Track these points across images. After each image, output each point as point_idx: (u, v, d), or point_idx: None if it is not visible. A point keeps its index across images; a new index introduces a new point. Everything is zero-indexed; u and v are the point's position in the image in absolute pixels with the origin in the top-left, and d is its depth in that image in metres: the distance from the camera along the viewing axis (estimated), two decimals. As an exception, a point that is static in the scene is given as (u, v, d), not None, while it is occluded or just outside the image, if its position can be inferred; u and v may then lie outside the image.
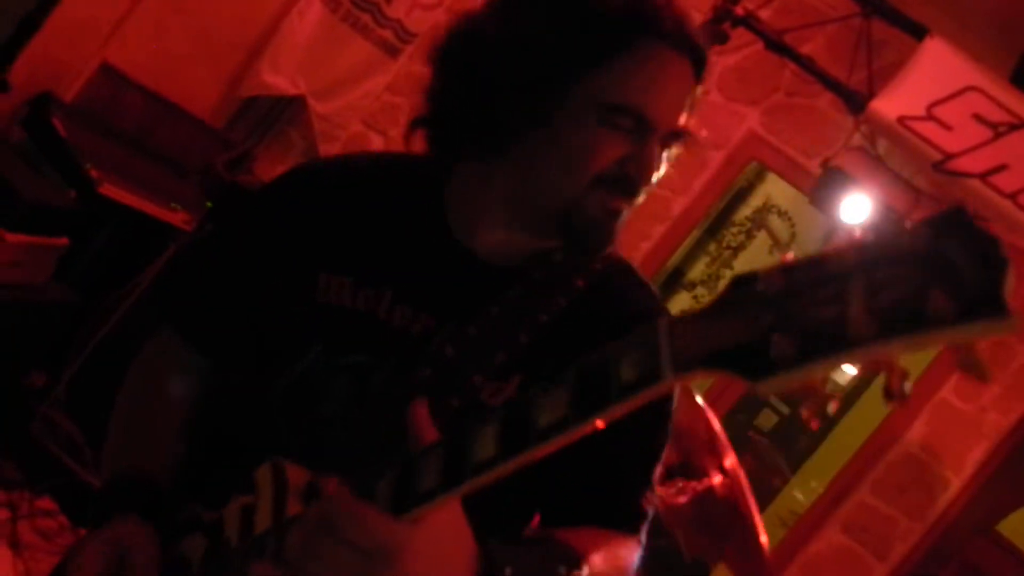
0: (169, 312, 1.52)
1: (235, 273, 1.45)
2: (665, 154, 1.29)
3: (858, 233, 0.70)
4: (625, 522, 1.30)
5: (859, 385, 8.96)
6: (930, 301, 0.63)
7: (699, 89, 1.30)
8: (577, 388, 0.83)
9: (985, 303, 0.62)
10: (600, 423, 0.82)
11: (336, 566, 0.88)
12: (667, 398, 1.33)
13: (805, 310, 0.69)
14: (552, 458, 0.96)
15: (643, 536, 1.31)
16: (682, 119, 1.28)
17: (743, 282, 0.74)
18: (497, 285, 1.31)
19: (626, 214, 1.30)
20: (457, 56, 1.28)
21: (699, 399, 3.46)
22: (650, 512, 1.33)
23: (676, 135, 1.29)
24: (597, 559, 1.15)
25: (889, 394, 0.71)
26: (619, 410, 0.80)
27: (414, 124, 1.33)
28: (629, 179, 1.25)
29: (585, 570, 1.11)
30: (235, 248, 1.48)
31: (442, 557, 0.93)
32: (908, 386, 0.71)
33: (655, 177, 1.27)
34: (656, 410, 1.31)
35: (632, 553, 1.29)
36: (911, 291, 0.64)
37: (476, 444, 0.87)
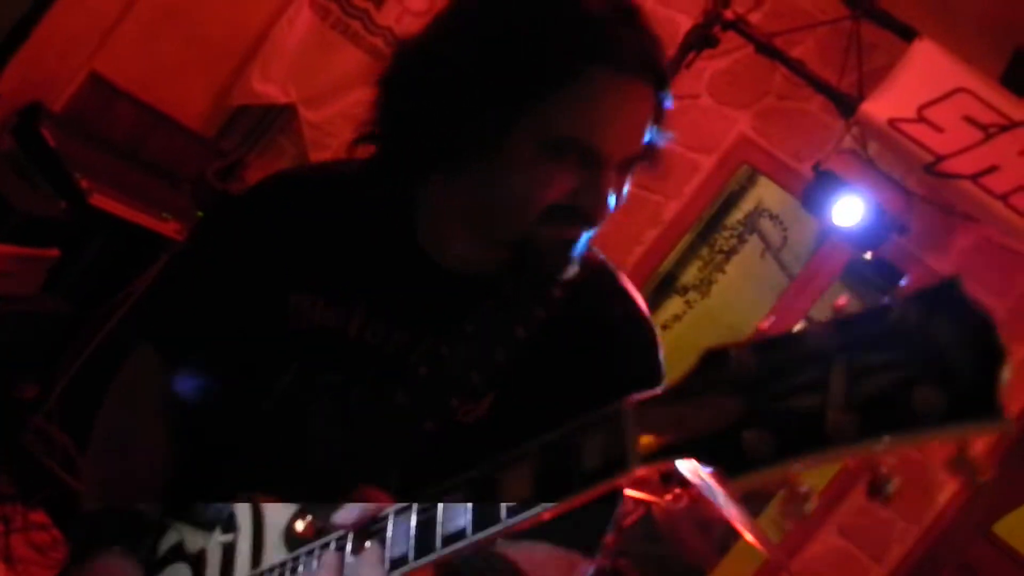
0: (148, 332, 1.49)
1: (210, 292, 1.42)
2: (627, 178, 1.22)
3: (841, 301, 0.64)
4: (582, 542, 1.26)
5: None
6: (916, 395, 0.58)
7: (664, 105, 1.22)
8: (542, 468, 0.81)
9: (977, 401, 0.57)
10: (562, 511, 0.80)
11: None
12: None
13: (780, 400, 0.63)
14: None
15: (597, 557, 1.29)
16: (639, 143, 1.20)
17: (715, 361, 0.69)
18: (470, 296, 1.28)
19: (585, 239, 1.23)
20: (407, 80, 1.22)
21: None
22: (607, 539, 1.30)
23: (635, 159, 1.21)
24: None
25: (874, 491, 0.65)
26: (582, 498, 0.78)
27: (358, 141, 1.27)
28: (581, 211, 1.18)
29: None
30: (208, 267, 1.45)
31: None
32: (893, 485, 0.65)
33: (612, 204, 1.19)
34: None
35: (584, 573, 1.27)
36: (896, 381, 0.59)
37: (446, 517, 0.88)
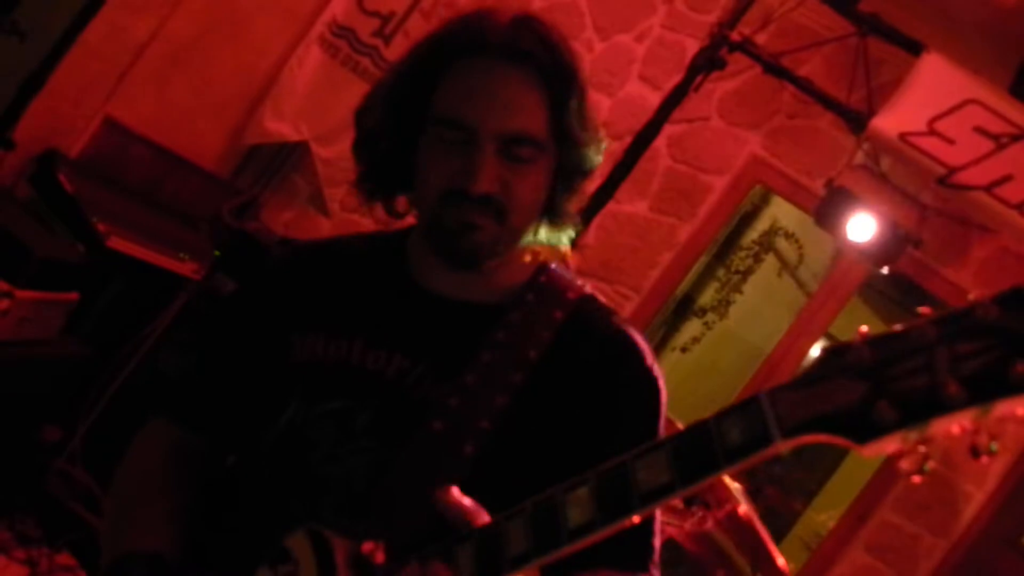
0: (160, 402, 1.56)
1: (217, 353, 1.54)
2: (515, 161, 1.31)
3: (926, 309, 0.82)
4: (635, 561, 1.30)
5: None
6: (1011, 367, 0.72)
7: (561, 90, 1.32)
8: (679, 451, 0.86)
9: None
10: (705, 485, 0.86)
11: None
12: (649, 408, 1.37)
13: (898, 379, 0.77)
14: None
15: (655, 572, 1.31)
16: (510, 119, 1.30)
17: (835, 353, 0.81)
18: (465, 319, 1.36)
19: (495, 230, 1.32)
20: (363, 110, 1.45)
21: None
22: (658, 547, 1.33)
23: (515, 140, 1.30)
24: None
25: (976, 452, 0.79)
26: (725, 472, 0.85)
27: (354, 184, 1.46)
28: (464, 190, 1.29)
29: None
30: (215, 334, 1.58)
31: None
32: (995, 445, 0.78)
33: (497, 185, 1.29)
34: (644, 422, 1.35)
35: None
36: (993, 359, 0.73)
37: (571, 508, 0.91)
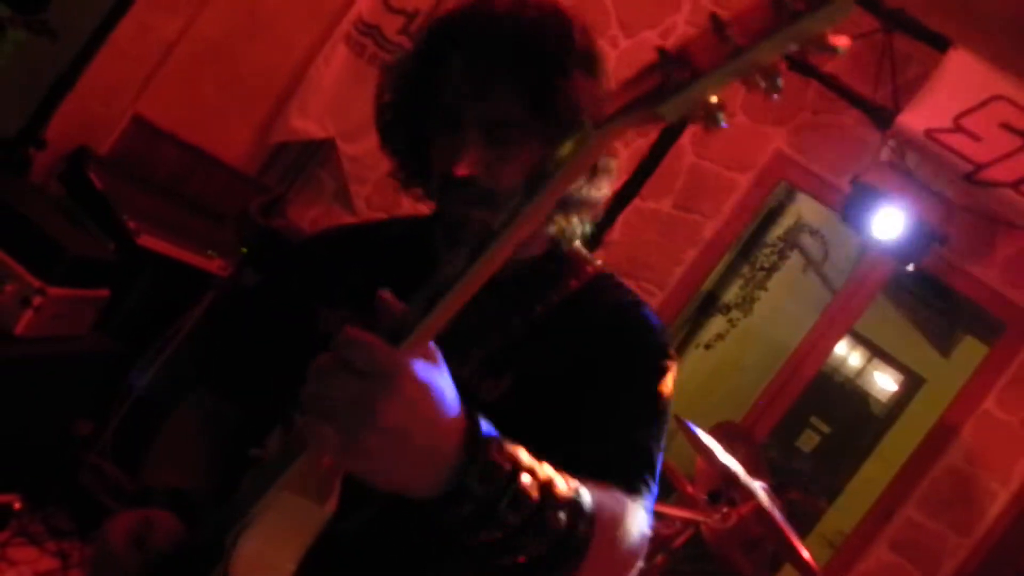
0: (200, 370, 1.69)
1: (252, 326, 1.66)
2: (501, 145, 1.35)
3: None
4: (626, 483, 1.26)
5: (900, 403, 8.89)
6: (785, 8, 0.72)
7: (538, 74, 1.34)
8: (526, 185, 0.90)
9: None
10: (549, 202, 0.89)
11: (338, 388, 0.91)
12: (655, 373, 1.36)
13: (685, 55, 0.78)
14: (551, 432, 1.09)
15: (648, 504, 1.28)
16: (495, 108, 1.34)
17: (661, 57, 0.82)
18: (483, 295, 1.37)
19: (490, 219, 1.36)
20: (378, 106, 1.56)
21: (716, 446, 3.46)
22: (653, 486, 1.31)
23: (497, 124, 1.35)
24: (597, 495, 1.09)
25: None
26: (563, 181, 0.88)
27: (390, 174, 1.55)
28: (450, 172, 1.35)
29: (586, 497, 1.06)
30: (251, 307, 1.69)
31: (432, 397, 0.94)
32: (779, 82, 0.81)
33: (481, 168, 1.34)
34: (647, 382, 1.36)
35: (634, 511, 1.22)
36: (771, 6, 0.73)
37: (449, 268, 0.94)
